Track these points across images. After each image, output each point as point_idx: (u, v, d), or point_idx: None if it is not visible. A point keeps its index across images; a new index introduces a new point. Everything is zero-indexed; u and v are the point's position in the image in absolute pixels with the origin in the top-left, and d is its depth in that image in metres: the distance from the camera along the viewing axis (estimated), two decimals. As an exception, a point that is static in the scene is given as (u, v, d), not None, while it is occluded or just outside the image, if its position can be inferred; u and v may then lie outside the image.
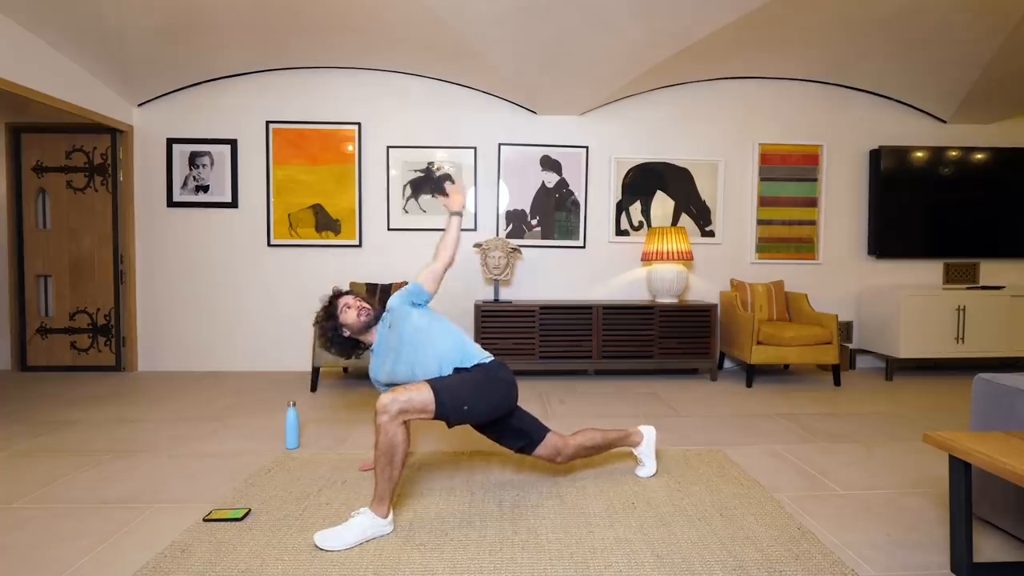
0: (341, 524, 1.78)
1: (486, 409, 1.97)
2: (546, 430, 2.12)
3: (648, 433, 2.32)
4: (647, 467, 2.30)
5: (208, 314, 4.41)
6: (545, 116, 4.49)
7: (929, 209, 4.56)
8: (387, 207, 4.42)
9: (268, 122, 4.36)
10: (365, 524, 1.75)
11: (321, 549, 1.69)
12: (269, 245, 4.40)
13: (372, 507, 1.77)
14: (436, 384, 1.86)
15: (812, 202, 4.61)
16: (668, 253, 4.09)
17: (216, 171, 4.37)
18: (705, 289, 4.60)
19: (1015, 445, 1.50)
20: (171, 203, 4.37)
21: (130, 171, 4.34)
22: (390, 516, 1.80)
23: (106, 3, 3.20)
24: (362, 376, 4.22)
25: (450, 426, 1.89)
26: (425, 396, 1.80)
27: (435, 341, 2.02)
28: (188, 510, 2.00)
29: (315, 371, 3.78)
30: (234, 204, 4.38)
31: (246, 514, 1.93)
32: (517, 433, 2.09)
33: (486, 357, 2.08)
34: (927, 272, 4.72)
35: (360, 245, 4.43)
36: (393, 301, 2.13)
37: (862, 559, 1.70)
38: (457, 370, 2.00)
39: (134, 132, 4.35)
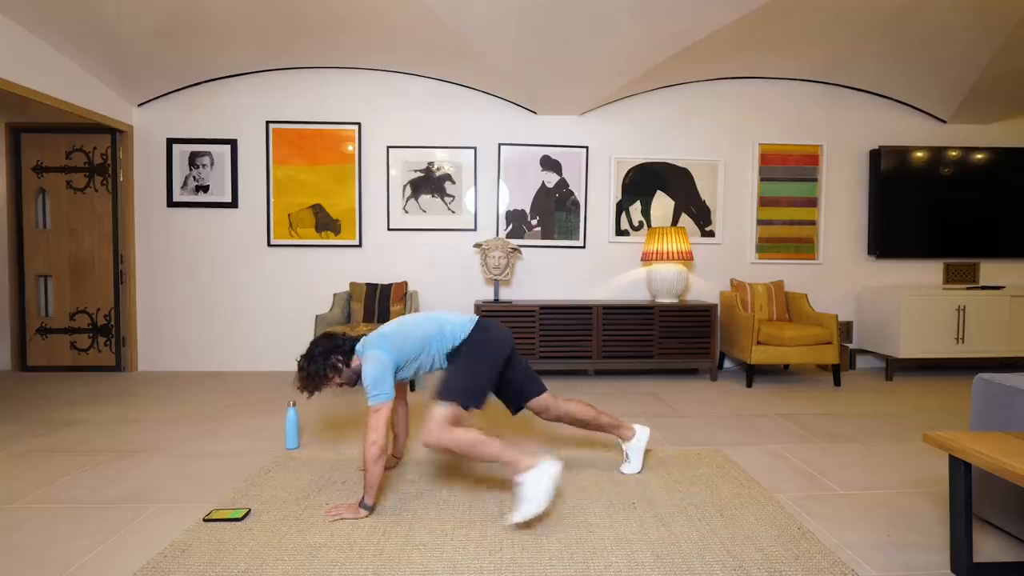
0: (521, 501, 1.82)
1: (491, 373, 2.09)
2: (542, 390, 2.26)
3: (642, 432, 2.34)
4: (632, 464, 2.32)
5: (208, 314, 4.41)
6: (545, 116, 4.49)
7: (929, 209, 4.56)
8: (387, 207, 4.42)
9: (268, 122, 4.36)
10: (537, 479, 1.81)
11: (522, 522, 1.81)
12: (269, 245, 4.40)
13: (522, 473, 1.85)
14: (445, 393, 1.97)
15: (812, 202, 4.61)
16: (668, 253, 4.09)
17: (216, 171, 4.37)
18: (705, 289, 4.60)
19: (1015, 445, 1.50)
20: (171, 203, 4.37)
21: (130, 171, 4.34)
22: (540, 458, 1.88)
23: (106, 3, 3.20)
24: (362, 376, 4.22)
25: (480, 408, 2.03)
26: (444, 411, 1.92)
27: (419, 340, 2.10)
28: (188, 510, 2.00)
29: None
30: (234, 204, 4.38)
31: (246, 514, 1.93)
32: (518, 387, 2.24)
33: (468, 327, 2.13)
34: (927, 272, 4.72)
35: (360, 245, 4.43)
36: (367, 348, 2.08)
37: (862, 559, 1.70)
38: (448, 354, 2.13)
39: (134, 132, 4.35)
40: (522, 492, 1.81)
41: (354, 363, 2.10)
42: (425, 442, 1.87)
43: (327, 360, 2.07)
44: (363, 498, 1.95)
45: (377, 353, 1.99)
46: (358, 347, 2.12)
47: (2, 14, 3.19)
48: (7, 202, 4.32)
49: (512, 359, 2.20)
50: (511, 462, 1.87)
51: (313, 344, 2.12)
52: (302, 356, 2.11)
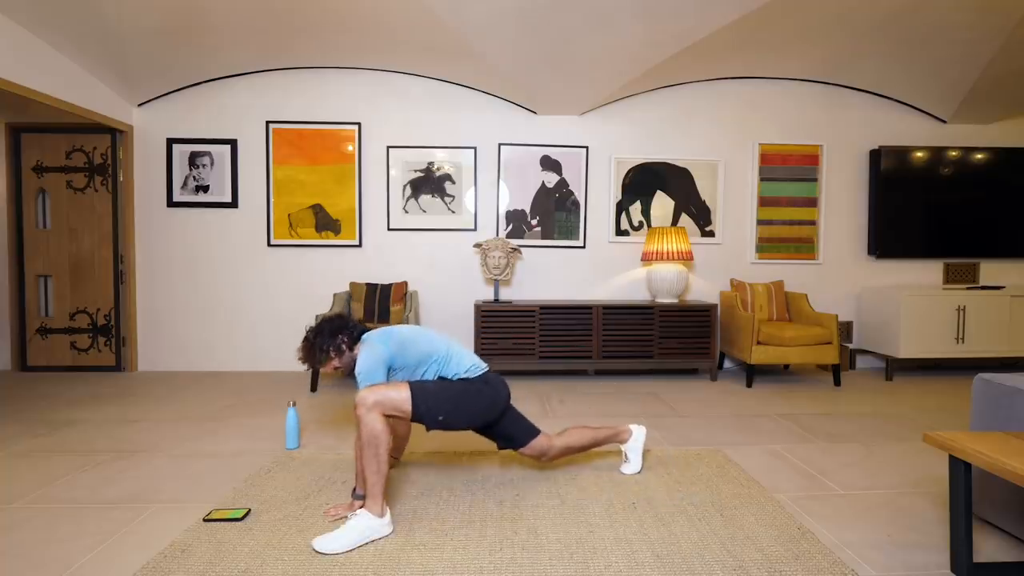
0: (338, 528, 1.76)
1: (465, 420, 2.02)
2: (534, 434, 2.16)
3: (638, 432, 2.34)
4: (632, 464, 2.32)
5: (208, 314, 4.41)
6: (545, 116, 4.49)
7: (929, 209, 4.56)
8: (387, 207, 4.42)
9: (268, 122, 4.36)
10: (362, 526, 1.74)
11: (320, 553, 1.68)
12: (269, 245, 4.40)
13: (367, 507, 1.78)
14: (415, 387, 1.90)
15: (812, 202, 4.61)
16: (668, 253, 4.09)
17: (216, 171, 4.37)
18: (705, 289, 4.60)
19: (1015, 445, 1.50)
20: (171, 203, 4.37)
21: (130, 171, 4.34)
22: (387, 516, 1.80)
23: (106, 3, 3.20)
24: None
25: (427, 431, 1.96)
26: (402, 396, 1.85)
27: (422, 354, 2.03)
28: (188, 510, 2.00)
29: (315, 371, 3.77)
30: (234, 204, 4.38)
31: (246, 514, 1.93)
32: (503, 437, 2.15)
33: (474, 371, 2.06)
34: (927, 272, 4.72)
35: (360, 245, 4.43)
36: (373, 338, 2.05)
37: (862, 559, 1.70)
38: (441, 377, 2.03)
39: (134, 132, 4.35)
40: (347, 523, 1.75)
41: (356, 350, 2.07)
42: (357, 398, 1.79)
43: (334, 339, 2.05)
44: (355, 488, 1.96)
45: (376, 344, 1.97)
46: (364, 337, 2.09)
47: (2, 14, 3.19)
48: (7, 202, 4.32)
49: (503, 417, 2.11)
50: (373, 498, 1.77)
51: (325, 320, 2.11)
52: (311, 328, 2.10)
